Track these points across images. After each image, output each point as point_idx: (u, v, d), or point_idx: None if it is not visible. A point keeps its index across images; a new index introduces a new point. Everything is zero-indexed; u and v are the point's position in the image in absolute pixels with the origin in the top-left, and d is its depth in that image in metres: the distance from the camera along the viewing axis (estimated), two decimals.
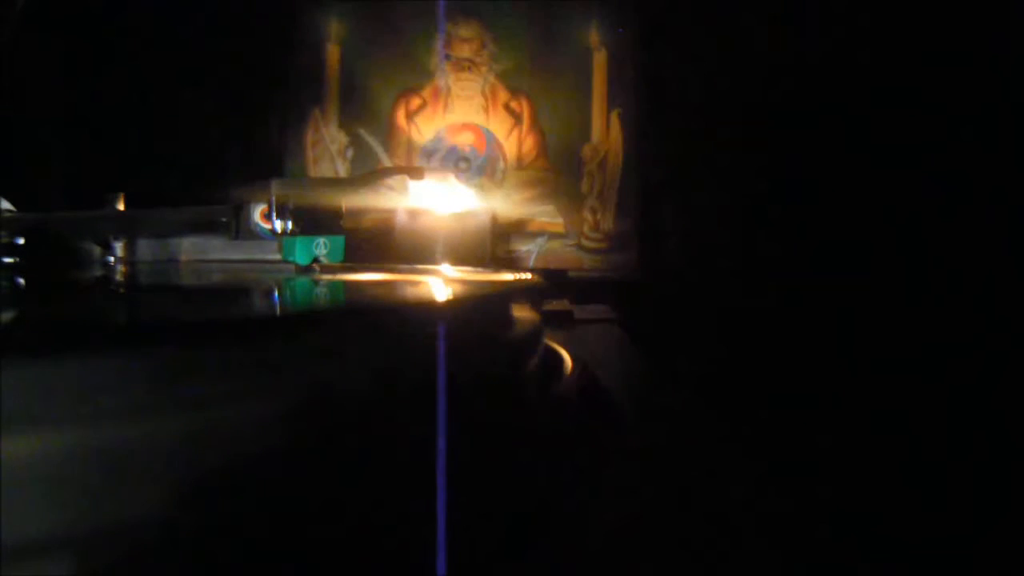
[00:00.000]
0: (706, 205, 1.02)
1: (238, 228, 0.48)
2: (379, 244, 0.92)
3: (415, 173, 0.61)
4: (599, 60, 1.10)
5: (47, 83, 1.03)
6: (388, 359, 0.20)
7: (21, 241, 0.52)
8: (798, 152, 0.94)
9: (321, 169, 1.10)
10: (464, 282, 0.38)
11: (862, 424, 0.66)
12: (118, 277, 0.50)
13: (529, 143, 1.11)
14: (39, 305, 0.34)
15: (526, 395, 0.29)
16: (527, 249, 1.10)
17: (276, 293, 0.37)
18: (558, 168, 1.11)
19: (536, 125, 1.11)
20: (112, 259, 0.56)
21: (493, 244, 0.91)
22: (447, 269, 0.49)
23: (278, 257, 0.46)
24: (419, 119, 1.11)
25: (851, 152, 0.90)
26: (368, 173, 1.02)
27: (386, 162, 1.09)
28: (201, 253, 0.54)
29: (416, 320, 0.22)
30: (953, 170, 0.84)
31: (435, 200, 0.82)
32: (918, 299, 0.82)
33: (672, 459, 0.29)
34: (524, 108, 1.11)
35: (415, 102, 1.11)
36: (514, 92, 1.11)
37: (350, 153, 1.11)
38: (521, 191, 1.10)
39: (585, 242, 1.11)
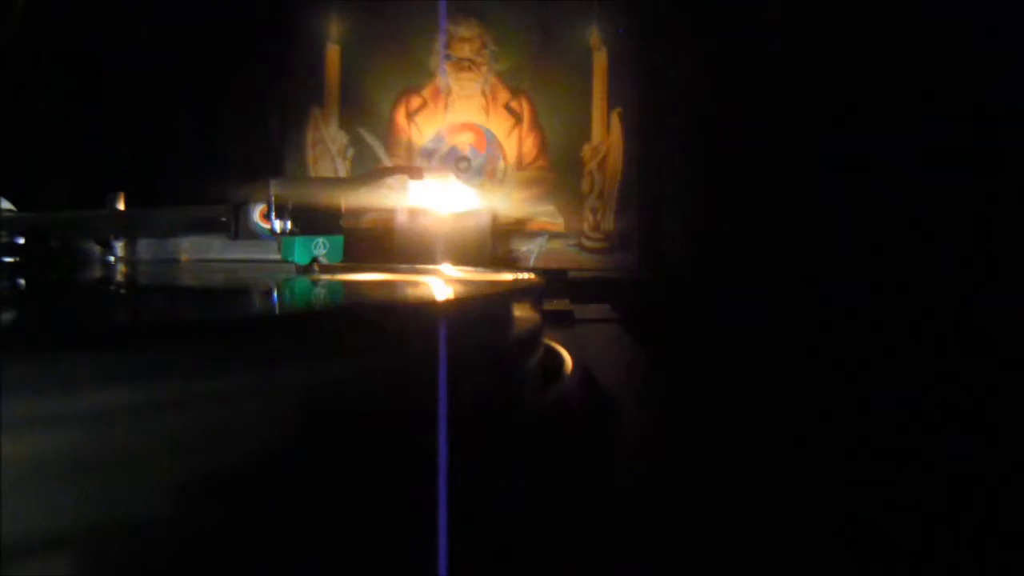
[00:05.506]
0: (706, 205, 1.02)
1: (238, 228, 0.48)
2: (379, 244, 0.92)
3: (415, 173, 0.61)
4: (599, 60, 1.10)
5: (47, 83, 1.03)
6: (388, 359, 0.20)
7: (21, 241, 0.52)
8: (799, 152, 0.94)
9: (321, 169, 1.10)
10: (464, 282, 0.38)
11: (862, 424, 0.66)
12: (118, 277, 0.50)
13: (529, 143, 1.11)
14: (39, 305, 0.34)
15: (526, 395, 0.29)
16: (527, 249, 1.10)
17: (275, 293, 0.37)
18: (558, 168, 1.11)
19: (536, 125, 1.11)
20: (112, 259, 0.56)
21: (493, 244, 0.91)
22: (447, 269, 0.49)
23: (278, 257, 0.46)
24: (419, 119, 1.11)
25: (852, 152, 0.90)
26: (368, 173, 1.02)
27: (386, 162, 1.09)
28: (201, 253, 0.54)
29: (416, 320, 0.22)
30: (954, 170, 0.84)
31: (435, 200, 0.82)
32: (919, 299, 0.82)
33: (672, 459, 0.29)
34: (524, 108, 1.11)
35: (415, 102, 1.11)
36: (514, 92, 1.11)
37: (350, 153, 1.11)
38: (521, 191, 1.10)
39: (585, 242, 1.11)
